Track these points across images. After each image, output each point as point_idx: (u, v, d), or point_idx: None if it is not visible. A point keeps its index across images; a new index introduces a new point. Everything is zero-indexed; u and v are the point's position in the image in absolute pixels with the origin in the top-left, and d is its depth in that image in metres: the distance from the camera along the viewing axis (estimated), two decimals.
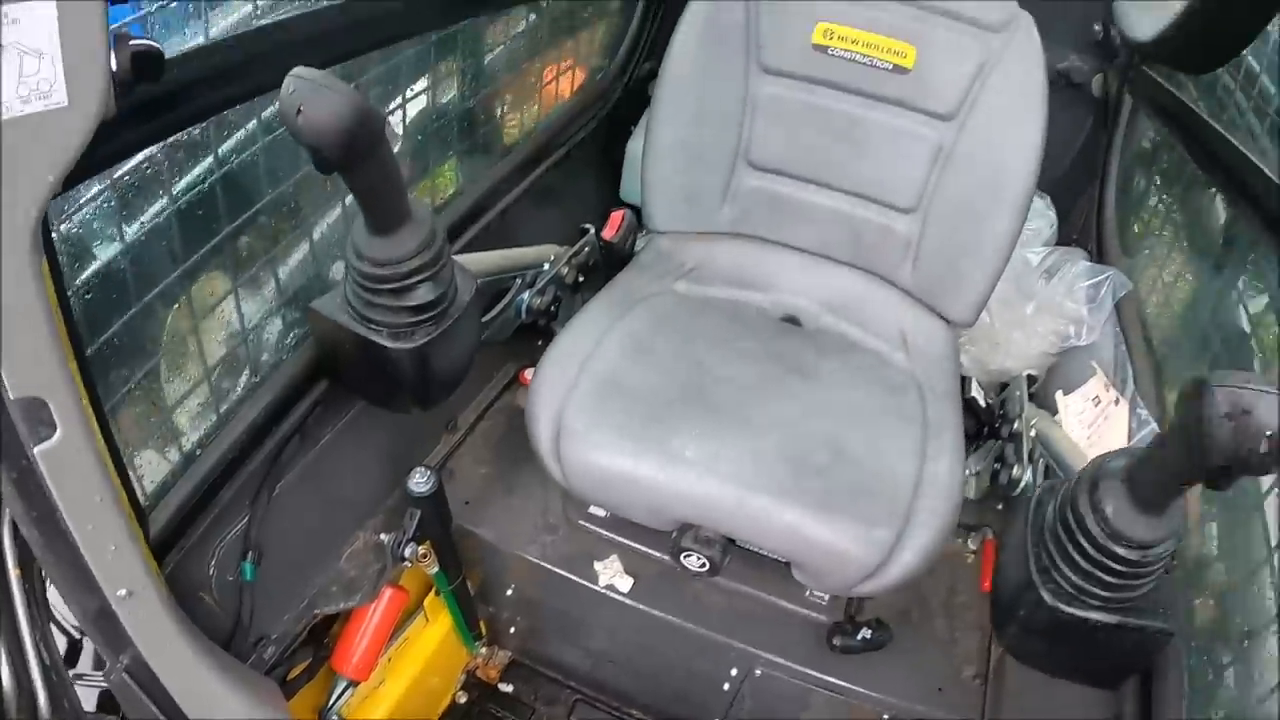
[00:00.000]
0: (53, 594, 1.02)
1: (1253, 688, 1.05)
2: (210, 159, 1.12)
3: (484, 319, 1.55)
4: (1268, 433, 0.73)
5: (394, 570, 1.47)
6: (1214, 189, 1.61)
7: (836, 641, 1.48)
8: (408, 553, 1.41)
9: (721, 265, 1.74)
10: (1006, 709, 1.46)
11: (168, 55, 0.87)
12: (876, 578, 1.29)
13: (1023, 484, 1.47)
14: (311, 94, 0.91)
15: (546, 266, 1.72)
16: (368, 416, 1.48)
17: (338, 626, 1.49)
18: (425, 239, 1.18)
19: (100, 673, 1.08)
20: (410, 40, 1.49)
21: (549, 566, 1.60)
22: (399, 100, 1.53)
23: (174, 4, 1.00)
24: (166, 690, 1.04)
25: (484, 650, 1.80)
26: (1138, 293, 1.82)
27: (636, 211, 1.86)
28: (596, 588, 1.57)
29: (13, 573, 0.97)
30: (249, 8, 1.12)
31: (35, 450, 0.82)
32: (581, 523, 1.62)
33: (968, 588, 1.63)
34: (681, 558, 1.36)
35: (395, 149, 1.08)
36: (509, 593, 1.69)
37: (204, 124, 1.10)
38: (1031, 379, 1.76)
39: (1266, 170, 1.32)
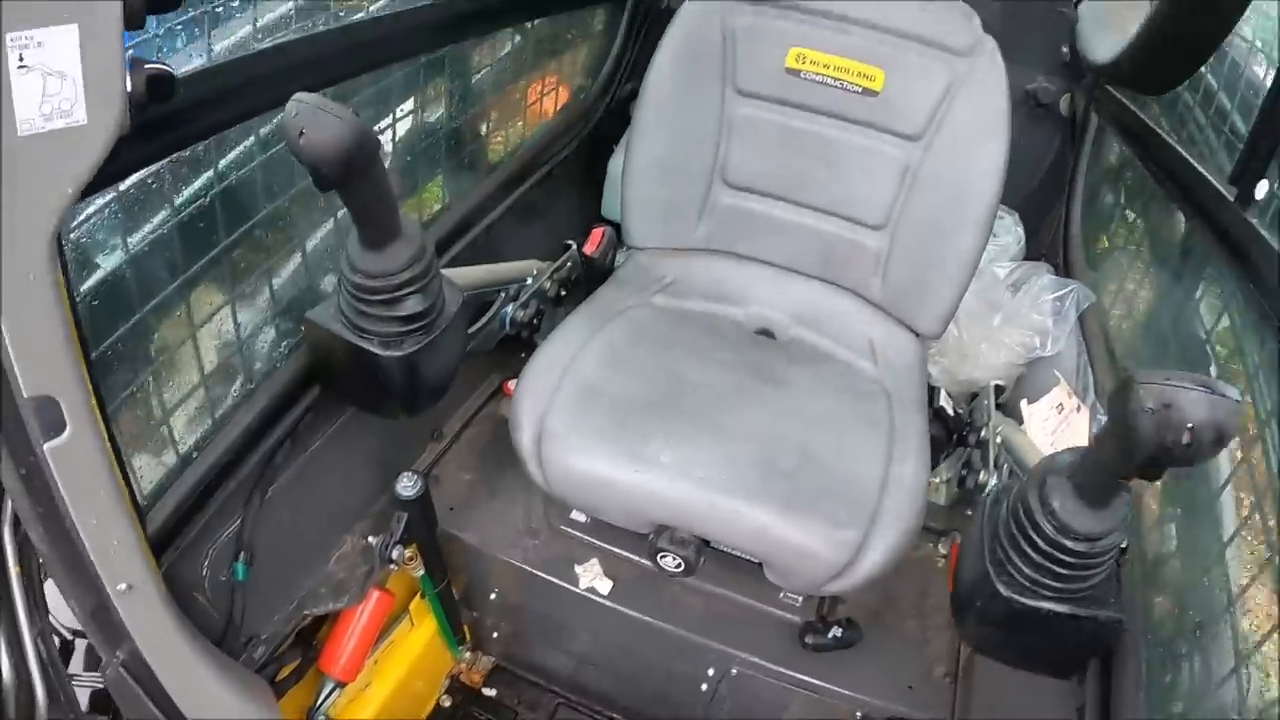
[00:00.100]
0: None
1: (1210, 676, 1.09)
2: (210, 174, 1.18)
3: (470, 330, 1.60)
4: (1189, 425, 0.79)
5: (381, 572, 1.51)
6: (1173, 203, 1.69)
7: (808, 640, 1.52)
8: (395, 555, 1.45)
9: (698, 280, 1.80)
10: (976, 706, 1.51)
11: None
12: (844, 576, 1.35)
13: (989, 488, 1.51)
14: (313, 117, 0.97)
15: (530, 281, 1.78)
16: (357, 423, 1.52)
17: (326, 629, 1.52)
18: (415, 253, 1.23)
19: (91, 674, 1.11)
20: (401, 62, 1.55)
21: (531, 570, 1.64)
22: (389, 119, 1.59)
23: (178, 26, 1.06)
24: (162, 686, 1.07)
25: (468, 655, 1.83)
26: (1101, 305, 1.88)
27: (617, 228, 1.92)
28: (577, 590, 1.61)
29: (13, 570, 1.01)
30: (248, 29, 1.18)
31: (45, 447, 0.86)
32: (563, 528, 1.66)
33: (938, 590, 1.68)
34: (658, 558, 1.41)
35: (384, 166, 1.14)
36: (492, 597, 1.73)
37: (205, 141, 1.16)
38: (999, 389, 1.83)
39: (1216, 183, 1.38)
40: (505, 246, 1.91)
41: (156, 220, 1.11)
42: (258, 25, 1.20)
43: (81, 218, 1.02)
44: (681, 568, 1.40)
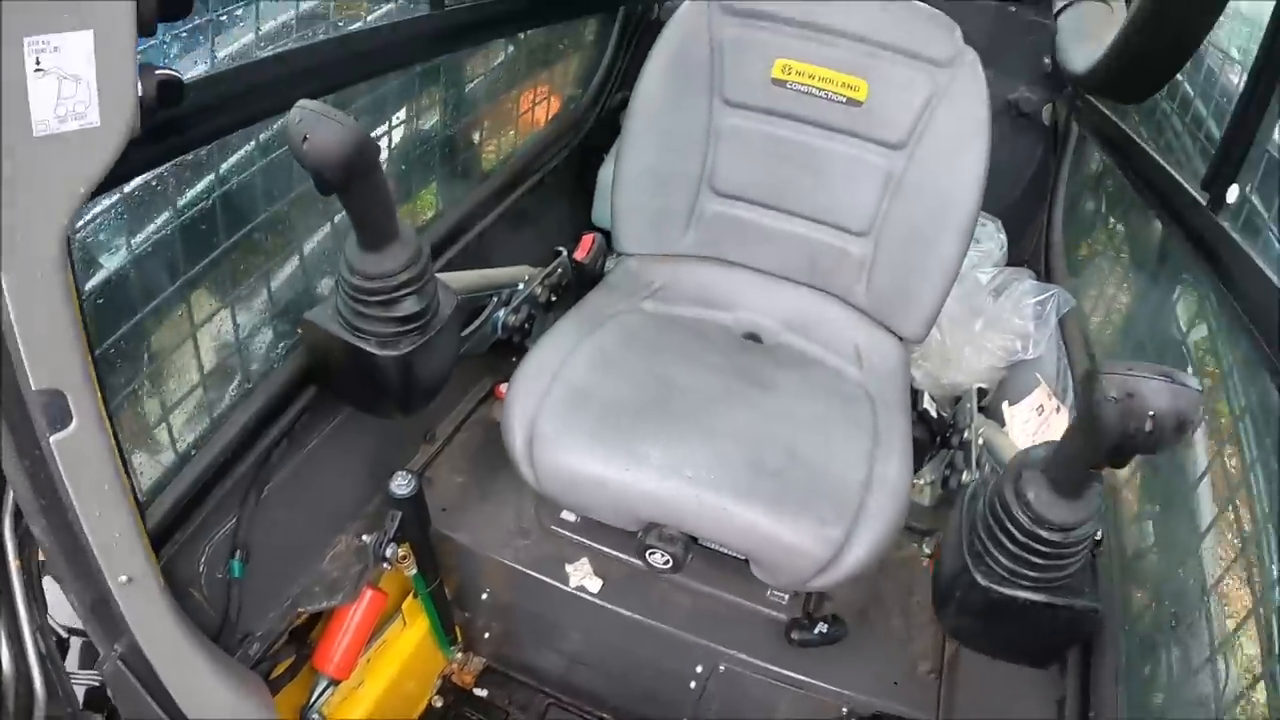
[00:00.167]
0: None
1: (1188, 666, 1.11)
2: (211, 177, 1.21)
3: (462, 334, 1.62)
4: (1150, 413, 0.83)
5: (374, 571, 1.52)
6: (1150, 209, 1.72)
7: (794, 636, 1.55)
8: (388, 553, 1.47)
9: (686, 285, 1.83)
10: (960, 701, 1.53)
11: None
12: (829, 572, 1.38)
13: (971, 487, 1.56)
14: (316, 123, 1.01)
15: (521, 286, 1.80)
16: (353, 423, 1.55)
17: (320, 627, 1.54)
18: (412, 255, 1.27)
19: (87, 672, 1.12)
20: (398, 71, 1.58)
21: (522, 569, 1.65)
22: (384, 127, 1.62)
23: (184, 33, 1.09)
24: (159, 680, 1.08)
25: (459, 656, 1.85)
26: (1081, 309, 1.92)
27: (607, 235, 1.95)
28: (567, 589, 1.63)
29: (13, 563, 1.02)
30: (250, 37, 1.22)
31: (51, 439, 0.87)
32: (553, 527, 1.68)
33: (923, 589, 1.69)
34: (647, 555, 1.44)
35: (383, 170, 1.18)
36: (484, 597, 1.75)
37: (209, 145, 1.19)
38: (982, 391, 1.86)
39: (1190, 188, 1.41)
40: (497, 252, 1.94)
41: (159, 221, 1.14)
42: (259, 34, 1.24)
43: (87, 218, 1.05)
44: (669, 564, 1.43)
